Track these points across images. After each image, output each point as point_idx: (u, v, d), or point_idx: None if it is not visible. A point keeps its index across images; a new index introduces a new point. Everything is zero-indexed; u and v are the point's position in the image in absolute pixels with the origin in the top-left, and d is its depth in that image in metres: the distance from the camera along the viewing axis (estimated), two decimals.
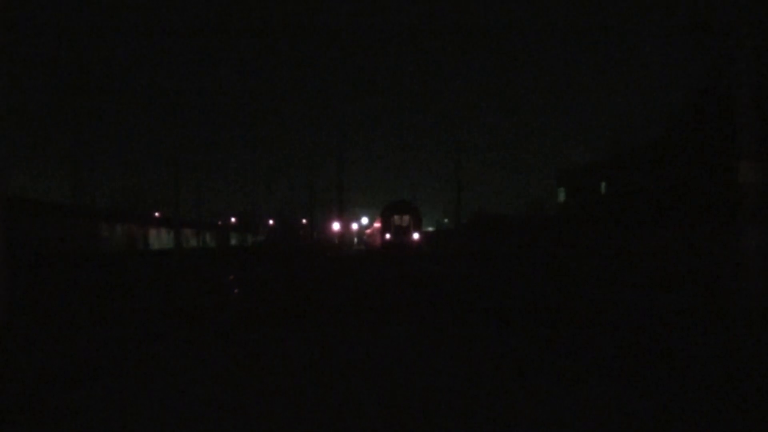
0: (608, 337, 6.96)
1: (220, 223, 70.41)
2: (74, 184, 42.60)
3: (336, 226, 63.51)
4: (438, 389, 4.79)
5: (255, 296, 12.67)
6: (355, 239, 76.18)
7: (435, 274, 18.65)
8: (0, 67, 9.07)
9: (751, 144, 9.56)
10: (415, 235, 39.39)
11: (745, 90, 9.62)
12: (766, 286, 9.04)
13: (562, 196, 43.34)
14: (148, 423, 4.08)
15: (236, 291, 14.36)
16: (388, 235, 39.29)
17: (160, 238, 47.67)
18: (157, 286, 15.67)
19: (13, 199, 29.90)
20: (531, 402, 4.42)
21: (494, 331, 7.65)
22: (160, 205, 52.84)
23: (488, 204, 75.19)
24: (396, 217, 39.46)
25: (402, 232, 39.08)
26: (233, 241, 71.06)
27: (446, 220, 70.72)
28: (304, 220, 73.03)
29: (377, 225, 49.56)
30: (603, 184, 35.36)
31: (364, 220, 70.13)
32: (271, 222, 79.19)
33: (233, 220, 75.67)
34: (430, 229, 68.84)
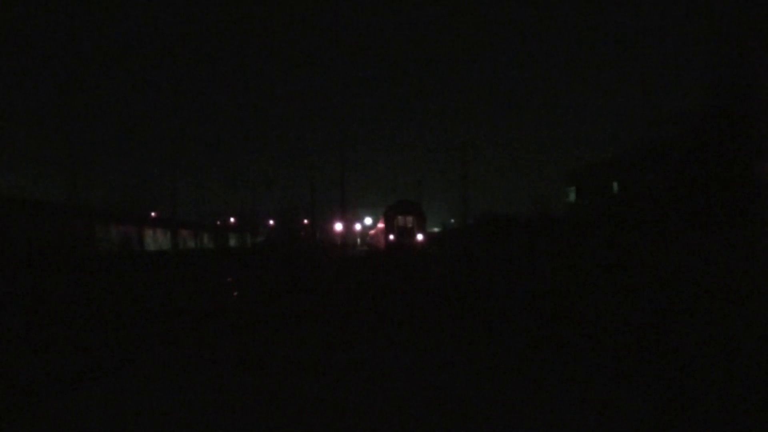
0: (611, 338, 6.85)
1: (218, 223, 69.09)
2: (70, 183, 41.48)
3: (338, 226, 61.99)
4: (438, 389, 4.79)
5: (254, 298, 12.31)
6: (359, 240, 74.98)
7: (439, 276, 18.44)
8: None
9: None
10: (420, 236, 38.17)
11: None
12: None
13: (572, 196, 42.08)
14: (148, 423, 4.05)
15: (235, 294, 13.87)
16: (391, 236, 38.06)
17: (156, 239, 46.44)
18: (153, 287, 15.31)
19: (6, 199, 28.90)
20: (531, 402, 4.42)
21: (495, 332, 7.64)
22: (158, 205, 51.63)
23: (496, 204, 74.16)
24: (400, 218, 38.24)
25: (406, 233, 37.85)
26: (232, 242, 69.66)
27: (452, 221, 69.35)
28: (305, 221, 71.48)
29: (381, 226, 47.91)
30: (615, 184, 34.19)
31: (368, 221, 68.82)
32: (271, 222, 77.59)
33: (232, 220, 74.22)
34: (436, 229, 67.43)
